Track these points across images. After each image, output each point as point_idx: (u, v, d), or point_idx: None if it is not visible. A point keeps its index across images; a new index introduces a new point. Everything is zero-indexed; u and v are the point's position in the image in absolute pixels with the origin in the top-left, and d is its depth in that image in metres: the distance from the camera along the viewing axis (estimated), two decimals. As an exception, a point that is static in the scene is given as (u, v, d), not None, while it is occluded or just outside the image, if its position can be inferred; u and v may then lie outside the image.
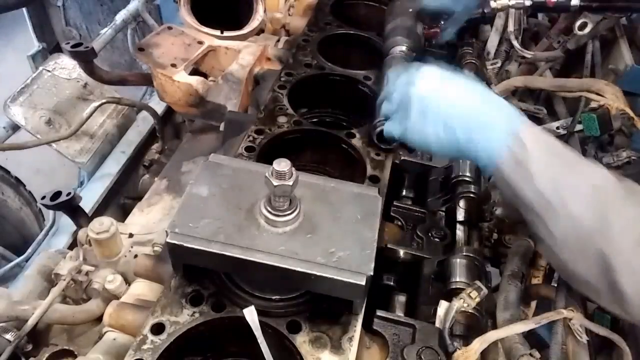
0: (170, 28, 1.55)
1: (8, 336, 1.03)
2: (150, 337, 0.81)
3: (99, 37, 1.97)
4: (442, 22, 1.43)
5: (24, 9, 2.51)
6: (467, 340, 0.89)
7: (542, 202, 0.80)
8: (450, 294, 0.94)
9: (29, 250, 1.64)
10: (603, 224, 0.75)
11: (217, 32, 1.63)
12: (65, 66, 1.76)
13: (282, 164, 0.80)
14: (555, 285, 1.01)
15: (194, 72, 1.58)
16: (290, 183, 0.79)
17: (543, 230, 0.83)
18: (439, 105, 0.90)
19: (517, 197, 0.84)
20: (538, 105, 1.83)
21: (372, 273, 0.78)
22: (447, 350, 0.86)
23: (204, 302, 0.87)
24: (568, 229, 0.79)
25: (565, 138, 1.72)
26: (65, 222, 1.54)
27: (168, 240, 0.81)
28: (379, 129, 1.09)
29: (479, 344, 0.84)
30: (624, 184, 0.80)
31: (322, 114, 1.42)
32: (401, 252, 1.07)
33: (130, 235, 1.22)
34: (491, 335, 0.86)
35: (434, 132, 0.90)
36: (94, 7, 2.81)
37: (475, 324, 0.91)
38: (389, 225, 1.15)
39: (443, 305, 0.90)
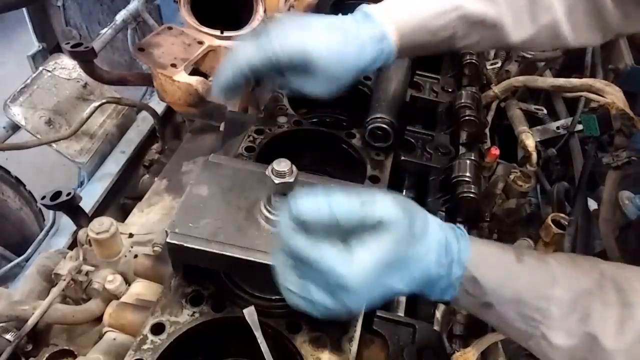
0: (170, 28, 1.55)
1: (8, 336, 1.03)
2: (150, 337, 0.81)
3: (99, 37, 1.97)
4: None
5: (24, 9, 2.51)
6: (466, 340, 0.89)
7: (514, 333, 0.70)
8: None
9: (29, 250, 1.64)
10: (592, 346, 0.64)
11: (217, 32, 1.63)
12: (65, 66, 1.76)
13: (282, 164, 0.80)
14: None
15: (194, 72, 1.57)
16: (291, 180, 0.79)
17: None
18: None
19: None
20: (538, 105, 1.83)
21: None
22: (446, 352, 0.86)
23: (204, 302, 0.87)
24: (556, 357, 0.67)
25: (565, 138, 1.73)
26: (65, 222, 1.54)
27: (168, 240, 0.81)
28: (370, 127, 1.10)
29: (478, 345, 0.84)
30: (596, 277, 0.67)
31: (322, 114, 1.42)
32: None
33: (130, 235, 1.22)
34: (490, 337, 0.86)
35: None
36: (94, 7, 2.81)
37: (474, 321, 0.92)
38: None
39: (441, 308, 0.90)
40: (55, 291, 1.08)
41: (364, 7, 0.87)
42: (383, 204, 0.64)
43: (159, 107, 1.82)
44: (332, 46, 0.80)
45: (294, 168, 0.80)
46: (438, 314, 0.89)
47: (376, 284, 0.64)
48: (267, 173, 0.80)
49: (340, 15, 0.87)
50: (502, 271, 0.69)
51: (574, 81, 1.53)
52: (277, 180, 0.78)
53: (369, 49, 0.84)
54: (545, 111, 1.81)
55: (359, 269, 0.62)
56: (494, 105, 1.67)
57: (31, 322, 1.03)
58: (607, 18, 0.91)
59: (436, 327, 0.89)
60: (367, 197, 0.64)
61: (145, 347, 0.80)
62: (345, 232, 0.63)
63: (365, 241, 0.63)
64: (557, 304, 0.66)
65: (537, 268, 0.69)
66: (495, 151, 1.29)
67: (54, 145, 1.67)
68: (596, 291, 0.65)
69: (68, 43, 1.43)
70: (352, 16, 0.87)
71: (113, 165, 1.74)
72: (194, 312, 0.85)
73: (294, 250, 0.64)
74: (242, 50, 0.82)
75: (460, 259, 0.68)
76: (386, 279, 0.64)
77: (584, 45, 0.94)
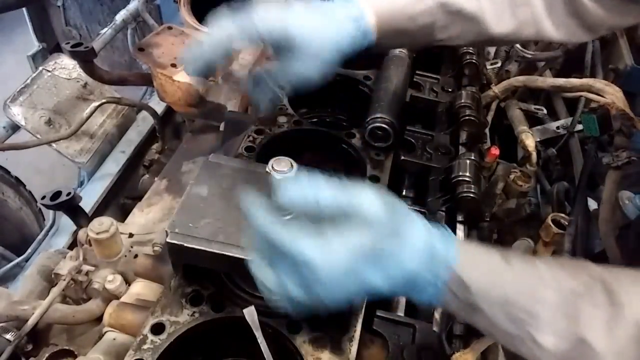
0: (170, 28, 1.55)
1: (8, 336, 1.03)
2: (150, 337, 0.81)
3: (99, 37, 1.97)
4: None
5: (24, 9, 2.51)
6: (466, 340, 0.89)
7: (504, 337, 0.68)
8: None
9: (29, 250, 1.64)
10: (583, 348, 0.63)
11: (217, 32, 1.63)
12: (65, 66, 1.76)
13: (282, 163, 0.81)
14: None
15: (194, 72, 1.57)
16: (292, 176, 0.80)
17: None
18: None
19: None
20: (538, 105, 1.83)
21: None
22: (445, 352, 0.86)
23: (203, 302, 0.87)
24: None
25: (565, 138, 1.73)
26: (65, 222, 1.54)
27: (168, 240, 0.81)
28: (370, 127, 1.10)
29: (476, 347, 0.84)
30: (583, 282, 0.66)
31: (322, 114, 1.42)
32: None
33: (130, 235, 1.22)
34: (489, 339, 0.86)
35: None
36: (94, 7, 2.80)
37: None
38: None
39: (439, 308, 0.90)
40: (55, 291, 1.08)
41: None
42: (365, 197, 0.65)
43: (159, 107, 1.82)
44: (312, 23, 0.81)
45: (294, 164, 0.81)
46: (437, 315, 0.89)
47: (351, 277, 0.63)
48: (267, 169, 0.80)
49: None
50: (489, 272, 0.68)
51: (574, 81, 1.53)
52: (278, 177, 0.79)
53: (347, 28, 0.85)
54: (545, 111, 1.81)
55: (334, 260, 0.62)
56: (494, 105, 1.67)
57: (31, 322, 1.03)
58: (586, 16, 0.90)
59: (435, 328, 0.89)
60: (350, 188, 0.65)
61: (145, 347, 0.80)
62: (324, 223, 0.63)
63: (343, 233, 0.63)
64: (545, 305, 0.65)
65: (525, 269, 0.68)
66: (495, 151, 1.30)
67: (54, 145, 1.67)
68: (584, 293, 0.65)
69: (68, 43, 1.43)
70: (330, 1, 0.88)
71: (113, 165, 1.74)
72: (194, 312, 0.85)
73: (271, 238, 0.63)
74: (222, 29, 0.81)
75: (446, 261, 0.67)
76: (362, 273, 0.64)
77: (572, 41, 0.94)
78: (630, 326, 0.61)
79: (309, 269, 0.62)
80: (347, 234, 0.63)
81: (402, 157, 1.19)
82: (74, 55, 1.46)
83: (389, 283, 0.65)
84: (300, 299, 0.64)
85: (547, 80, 1.62)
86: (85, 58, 1.46)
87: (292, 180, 0.65)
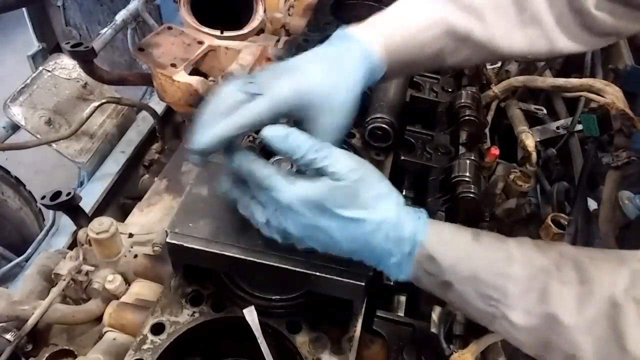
0: (170, 28, 1.55)
1: (8, 336, 1.03)
2: (150, 337, 0.81)
3: (99, 37, 1.97)
4: None
5: (24, 9, 2.51)
6: (466, 340, 0.89)
7: (476, 314, 0.71)
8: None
9: (29, 250, 1.64)
10: (553, 324, 0.64)
11: (217, 32, 1.63)
12: (65, 66, 1.76)
13: (283, 164, 0.81)
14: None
15: (194, 72, 1.57)
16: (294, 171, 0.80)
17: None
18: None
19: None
20: (538, 105, 1.83)
21: (372, 274, 0.78)
22: (444, 353, 0.86)
23: (203, 302, 0.87)
24: (516, 339, 0.69)
25: (565, 138, 1.73)
26: (65, 222, 1.54)
27: (168, 240, 0.81)
28: (370, 127, 1.10)
29: (476, 347, 0.84)
30: (550, 258, 0.68)
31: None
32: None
33: (130, 235, 1.22)
34: (488, 338, 0.86)
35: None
36: (94, 7, 2.81)
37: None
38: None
39: (437, 309, 0.90)
40: (55, 291, 1.08)
41: (341, 30, 0.85)
42: (336, 155, 0.70)
43: (159, 107, 1.82)
44: (326, 87, 0.77)
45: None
46: (434, 316, 0.89)
47: (312, 216, 0.69)
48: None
49: (323, 45, 0.85)
50: (459, 249, 0.71)
51: (574, 81, 1.53)
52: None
53: (358, 73, 0.81)
54: (545, 111, 1.80)
55: (296, 191, 0.69)
56: (494, 105, 1.66)
57: (31, 322, 1.03)
58: (596, 25, 0.89)
59: (433, 329, 0.89)
60: (325, 145, 0.70)
61: (145, 347, 0.80)
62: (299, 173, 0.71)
63: (310, 179, 0.70)
64: (513, 281, 0.67)
65: (494, 247, 0.71)
66: (495, 151, 1.29)
67: (54, 145, 1.67)
68: (553, 270, 0.66)
69: (68, 43, 1.43)
70: (333, 44, 0.84)
71: (113, 165, 1.74)
72: (194, 312, 0.85)
73: (247, 167, 0.72)
74: (245, 114, 0.73)
75: (413, 238, 0.70)
76: (321, 220, 0.69)
77: (588, 49, 0.92)
78: (601, 302, 0.62)
79: (275, 195, 0.69)
80: (311, 179, 0.70)
81: (402, 157, 1.19)
82: (74, 55, 1.46)
83: (350, 246, 0.71)
84: (264, 222, 0.73)
85: (547, 80, 1.62)
86: (85, 58, 1.46)
87: (277, 128, 0.71)
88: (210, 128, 0.73)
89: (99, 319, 1.07)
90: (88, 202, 1.58)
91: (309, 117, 0.77)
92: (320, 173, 0.70)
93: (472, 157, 1.13)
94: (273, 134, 0.71)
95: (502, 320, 0.68)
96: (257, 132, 0.96)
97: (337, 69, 0.79)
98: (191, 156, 0.75)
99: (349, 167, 0.70)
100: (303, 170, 0.72)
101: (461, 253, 0.70)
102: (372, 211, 0.70)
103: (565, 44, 0.91)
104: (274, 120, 0.75)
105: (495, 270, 0.68)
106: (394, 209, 0.71)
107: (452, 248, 0.71)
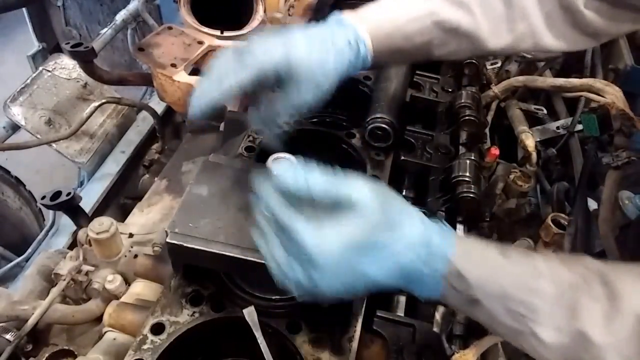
0: (170, 28, 1.55)
1: (8, 336, 1.03)
2: (150, 337, 0.81)
3: (99, 37, 1.97)
4: None
5: (24, 9, 2.51)
6: (467, 341, 0.89)
7: (504, 331, 0.69)
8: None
9: (29, 250, 1.64)
10: (583, 342, 0.63)
11: (217, 32, 1.63)
12: (65, 66, 1.76)
13: (281, 160, 0.81)
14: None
15: (194, 72, 1.57)
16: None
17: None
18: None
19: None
20: (538, 105, 1.83)
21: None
22: (445, 353, 0.86)
23: (203, 302, 0.87)
24: (543, 356, 0.67)
25: (565, 138, 1.73)
26: (65, 222, 1.54)
27: (168, 240, 0.81)
28: (370, 127, 1.10)
29: (476, 348, 0.84)
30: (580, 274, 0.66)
31: (321, 114, 1.42)
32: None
33: (130, 235, 1.22)
34: (489, 340, 0.86)
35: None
36: (94, 7, 2.81)
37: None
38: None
39: (441, 309, 0.90)
40: (55, 291, 1.08)
41: (337, 14, 0.89)
42: (356, 186, 0.67)
43: (159, 107, 1.82)
44: (313, 54, 0.81)
45: (293, 159, 0.81)
46: (438, 316, 0.89)
47: (346, 265, 0.65)
48: (267, 165, 0.80)
49: (318, 24, 0.88)
50: (487, 265, 0.69)
51: (574, 81, 1.53)
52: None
53: (346, 54, 0.85)
54: (545, 111, 1.80)
55: (327, 246, 0.63)
56: (494, 105, 1.66)
57: (31, 322, 1.03)
58: (586, 25, 0.90)
59: (436, 329, 0.89)
60: (342, 178, 0.67)
61: (145, 347, 0.80)
62: (320, 209, 0.66)
63: (336, 219, 0.65)
64: (542, 297, 0.65)
65: (522, 262, 0.69)
66: (495, 151, 1.30)
67: (54, 145, 1.67)
68: (582, 285, 0.65)
69: (68, 43, 1.43)
70: (327, 24, 0.88)
71: (113, 165, 1.74)
72: (194, 312, 0.85)
73: (274, 213, 0.66)
74: (228, 69, 0.80)
75: (443, 254, 0.68)
76: (357, 263, 0.65)
77: (573, 49, 0.94)
78: (629, 319, 0.61)
79: (306, 254, 0.64)
80: (339, 222, 0.65)
81: (402, 157, 1.19)
82: (74, 55, 1.46)
83: (384, 274, 0.67)
84: (297, 278, 0.66)
85: (547, 80, 1.62)
86: (85, 58, 1.46)
87: (286, 162, 0.69)
88: (202, 96, 0.79)
89: (99, 319, 1.08)
90: (88, 202, 1.58)
91: (291, 84, 0.80)
92: (341, 207, 0.65)
93: (472, 157, 1.13)
94: (291, 181, 0.66)
95: (530, 337, 0.66)
96: (257, 132, 0.97)
97: (327, 47, 0.83)
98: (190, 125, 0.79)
99: (371, 193, 0.66)
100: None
101: (489, 269, 0.69)
102: (399, 230, 0.67)
103: (550, 42, 0.92)
104: (259, 83, 0.79)
105: (524, 286, 0.66)
106: (421, 226, 0.69)
107: (480, 264, 0.69)
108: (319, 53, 0.82)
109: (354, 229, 0.65)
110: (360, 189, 0.67)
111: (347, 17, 0.88)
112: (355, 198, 0.65)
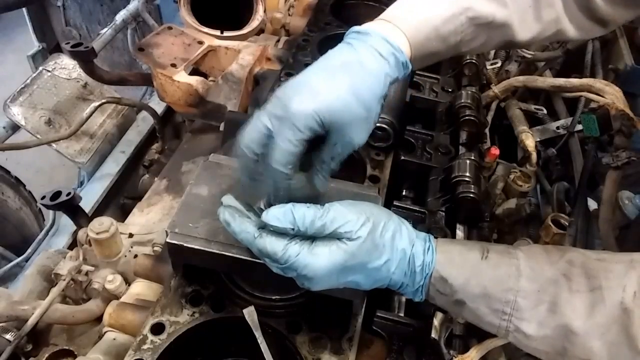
0: (170, 28, 1.55)
1: (8, 336, 1.03)
2: (150, 337, 0.81)
3: (99, 37, 1.97)
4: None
5: (24, 9, 2.51)
6: (466, 341, 0.89)
7: (491, 329, 0.73)
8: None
9: (29, 250, 1.64)
10: (565, 333, 0.66)
11: (217, 32, 1.63)
12: (65, 66, 1.76)
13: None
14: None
15: (194, 72, 1.58)
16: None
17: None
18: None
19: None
20: (538, 105, 1.83)
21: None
22: (444, 358, 0.86)
23: (203, 302, 0.87)
24: (532, 348, 0.71)
25: (565, 138, 1.73)
26: (65, 222, 1.54)
27: (168, 240, 0.81)
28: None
29: (476, 352, 0.84)
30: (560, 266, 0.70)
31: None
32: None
33: (130, 235, 1.22)
34: (489, 343, 0.86)
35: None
36: (94, 7, 2.81)
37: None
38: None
39: (439, 315, 0.90)
40: (55, 291, 1.08)
41: (358, 30, 0.78)
42: (341, 214, 0.69)
43: (159, 107, 1.82)
44: (342, 95, 0.70)
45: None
46: (436, 322, 0.89)
47: (337, 279, 0.71)
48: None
49: (337, 48, 0.77)
50: (468, 268, 0.73)
51: (574, 81, 1.53)
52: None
53: (381, 72, 0.76)
54: (545, 111, 1.81)
55: (320, 271, 0.69)
56: (494, 105, 1.66)
57: (31, 322, 1.03)
58: (596, 10, 0.91)
59: (434, 335, 0.89)
60: (327, 211, 0.69)
61: (145, 347, 0.80)
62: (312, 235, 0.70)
63: (327, 245, 0.69)
64: (523, 295, 0.69)
65: (501, 262, 0.73)
66: (495, 151, 1.29)
67: (54, 145, 1.67)
68: (562, 280, 0.68)
69: (68, 43, 1.43)
70: (349, 45, 0.77)
71: (113, 165, 1.74)
72: (194, 312, 0.85)
73: (264, 252, 0.70)
74: (280, 149, 0.69)
75: (422, 270, 0.73)
76: (347, 278, 0.71)
77: (585, 37, 0.93)
78: (611, 308, 0.64)
79: (302, 276, 0.69)
80: (330, 248, 0.69)
81: (402, 157, 1.19)
82: (74, 55, 1.46)
83: (371, 284, 0.74)
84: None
85: (547, 80, 1.62)
86: (85, 58, 1.46)
87: (277, 210, 0.69)
88: (259, 184, 0.75)
89: (99, 319, 1.08)
90: (88, 202, 1.58)
91: (334, 130, 0.71)
92: (332, 236, 0.69)
93: (472, 157, 1.13)
94: (274, 217, 0.68)
95: (516, 333, 0.70)
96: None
97: (356, 75, 0.72)
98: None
99: (359, 222, 0.70)
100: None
101: (470, 272, 0.73)
102: (389, 252, 0.72)
103: (570, 30, 0.92)
104: (307, 145, 0.71)
105: (505, 286, 0.70)
106: (408, 243, 0.73)
107: (462, 268, 0.73)
108: (347, 92, 0.70)
109: (342, 255, 0.69)
110: (348, 219, 0.69)
111: (375, 29, 0.78)
112: (344, 228, 0.69)
